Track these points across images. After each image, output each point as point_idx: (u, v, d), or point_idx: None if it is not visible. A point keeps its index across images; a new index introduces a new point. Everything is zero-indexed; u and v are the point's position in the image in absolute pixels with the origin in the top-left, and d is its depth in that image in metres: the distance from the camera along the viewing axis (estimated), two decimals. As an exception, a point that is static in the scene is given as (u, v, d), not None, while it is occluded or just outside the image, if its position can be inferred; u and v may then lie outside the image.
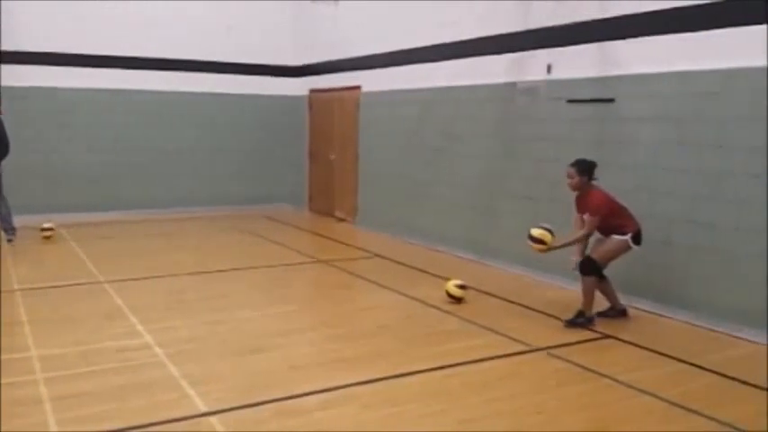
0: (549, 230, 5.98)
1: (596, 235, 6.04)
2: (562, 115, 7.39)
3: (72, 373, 4.68)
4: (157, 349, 5.18)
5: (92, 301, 6.57)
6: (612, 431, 4.02)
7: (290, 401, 4.28)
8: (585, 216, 5.92)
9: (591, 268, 5.86)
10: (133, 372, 4.73)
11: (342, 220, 11.82)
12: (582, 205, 6.01)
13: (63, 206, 11.21)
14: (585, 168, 5.94)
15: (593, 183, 5.96)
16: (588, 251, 6.03)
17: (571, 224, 6.19)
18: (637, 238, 5.86)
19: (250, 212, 12.54)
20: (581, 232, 5.95)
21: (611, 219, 5.88)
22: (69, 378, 4.59)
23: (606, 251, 5.90)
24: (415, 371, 4.81)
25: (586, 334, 5.75)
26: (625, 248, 5.87)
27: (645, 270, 6.46)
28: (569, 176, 5.99)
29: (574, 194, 6.09)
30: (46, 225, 9.67)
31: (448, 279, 6.85)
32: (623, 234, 5.84)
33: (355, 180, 11.42)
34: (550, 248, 5.97)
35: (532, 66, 7.77)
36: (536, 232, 5.99)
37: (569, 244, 5.98)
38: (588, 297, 5.92)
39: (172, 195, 12.29)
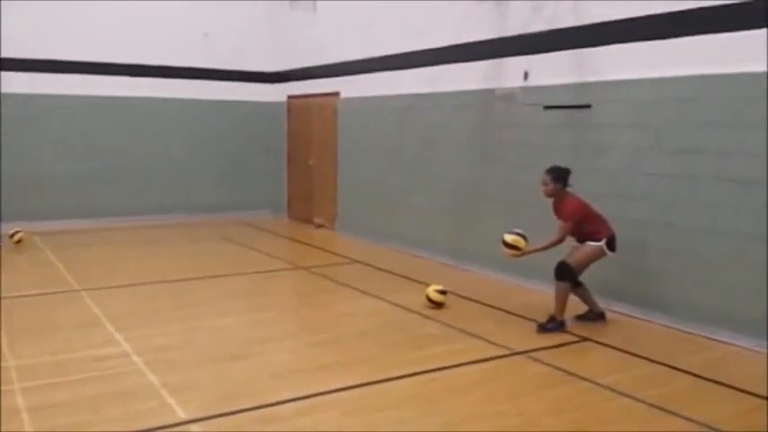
0: (523, 236, 6.06)
1: (572, 242, 6.11)
2: (539, 121, 7.46)
3: (49, 382, 4.62)
4: (136, 358, 5.13)
5: (68, 309, 6.49)
6: (592, 433, 4.07)
7: (270, 408, 4.25)
8: (559, 222, 5.99)
9: (565, 273, 5.91)
10: (112, 380, 4.68)
11: (321, 226, 11.80)
12: (557, 212, 6.08)
13: (38, 214, 11.05)
14: (560, 175, 6.02)
15: (568, 189, 6.04)
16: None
17: (547, 228, 6.21)
18: (611, 245, 5.93)
19: (228, 219, 12.46)
20: (552, 238, 5.99)
21: (585, 225, 5.95)
22: (47, 388, 4.52)
23: (581, 257, 5.96)
24: (396, 376, 4.81)
25: (565, 337, 5.80)
26: (600, 254, 5.95)
27: (621, 274, 6.54)
28: (544, 183, 6.06)
29: (550, 200, 6.15)
30: (12, 231, 9.54)
31: (428, 284, 6.87)
32: (597, 240, 5.90)
33: (334, 186, 11.41)
34: (524, 254, 6.05)
35: (509, 72, 7.83)
36: (509, 238, 6.07)
37: (541, 249, 6.02)
38: (561, 302, 5.95)
39: (148, 202, 12.17)
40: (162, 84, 12.10)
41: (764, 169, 5.39)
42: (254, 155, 13.17)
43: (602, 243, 5.89)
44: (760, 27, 5.39)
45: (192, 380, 4.73)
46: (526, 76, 7.63)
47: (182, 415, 4.13)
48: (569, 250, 6.07)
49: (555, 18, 7.18)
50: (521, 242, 6.03)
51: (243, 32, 12.66)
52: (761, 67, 5.40)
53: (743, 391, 4.62)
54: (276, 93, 13.13)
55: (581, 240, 6.00)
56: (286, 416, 4.16)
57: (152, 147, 12.15)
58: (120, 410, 4.17)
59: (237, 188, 13.05)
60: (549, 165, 6.16)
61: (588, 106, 6.90)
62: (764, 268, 5.41)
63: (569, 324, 6.04)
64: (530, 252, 6.05)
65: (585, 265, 6.00)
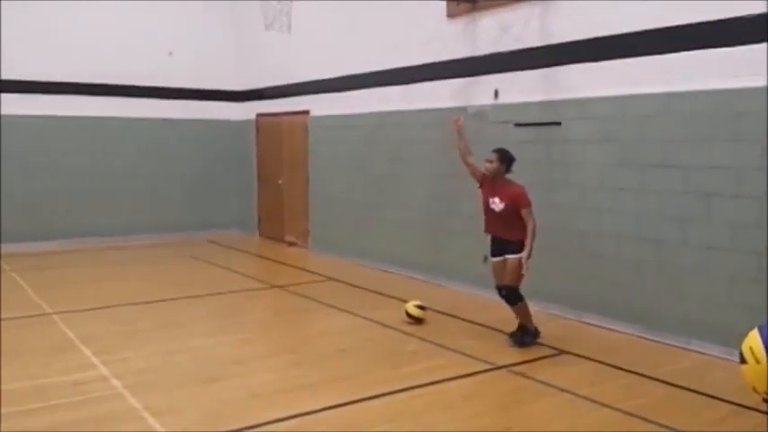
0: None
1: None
2: (510, 138, 7.56)
3: (26, 408, 4.53)
4: (115, 381, 5.06)
5: (42, 333, 6.37)
6: (576, 444, 4.14)
7: (256, 429, 4.24)
8: (522, 211, 5.81)
9: (514, 296, 5.94)
10: (92, 405, 4.61)
11: (293, 244, 11.77)
12: (499, 192, 5.94)
13: (2, 236, 10.77)
14: (506, 159, 6.01)
15: (508, 177, 6.04)
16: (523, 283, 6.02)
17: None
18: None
19: (198, 239, 12.35)
20: (528, 227, 5.78)
21: (519, 221, 5.86)
22: (23, 414, 4.44)
23: (514, 275, 5.89)
24: (379, 394, 4.83)
25: (543, 350, 5.89)
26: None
27: (594, 285, 6.67)
28: (489, 161, 6.01)
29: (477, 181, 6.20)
30: None
31: (405, 300, 6.92)
32: (517, 252, 5.85)
33: (306, 204, 11.41)
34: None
35: (480, 90, 7.97)
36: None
37: (531, 243, 5.80)
38: (524, 315, 6.01)
39: (115, 223, 11.99)
40: (128, 103, 11.98)
41: (729, 181, 5.59)
42: (222, 173, 13.11)
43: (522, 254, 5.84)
44: (721, 46, 5.61)
45: (174, 402, 4.69)
46: (497, 94, 7.77)
47: (167, 438, 4.10)
48: (499, 273, 6.06)
49: (524, 38, 7.35)
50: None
51: (210, 51, 12.66)
52: (722, 84, 5.61)
53: (717, 398, 4.75)
54: (245, 111, 13.11)
55: (504, 245, 5.95)
56: (273, 436, 4.16)
57: (119, 167, 12.02)
58: (103, 435, 4.12)
59: (206, 207, 12.95)
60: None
61: (558, 123, 7.05)
62: (729, 278, 5.60)
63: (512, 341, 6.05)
64: (528, 252, 5.82)
65: (521, 278, 5.96)
